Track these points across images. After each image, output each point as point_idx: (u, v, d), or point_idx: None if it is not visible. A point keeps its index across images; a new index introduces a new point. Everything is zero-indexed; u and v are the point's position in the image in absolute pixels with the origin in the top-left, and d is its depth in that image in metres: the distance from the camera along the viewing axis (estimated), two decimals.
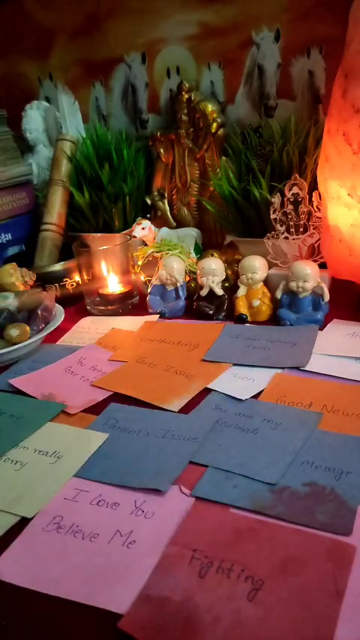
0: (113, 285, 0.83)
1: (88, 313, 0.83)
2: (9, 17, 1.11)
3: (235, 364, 0.62)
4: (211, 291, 0.76)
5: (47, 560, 0.38)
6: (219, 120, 0.95)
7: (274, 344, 0.65)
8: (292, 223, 0.74)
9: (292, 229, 0.74)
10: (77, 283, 0.86)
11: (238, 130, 0.93)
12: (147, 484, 0.43)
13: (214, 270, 0.76)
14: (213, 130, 0.95)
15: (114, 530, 0.40)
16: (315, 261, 0.73)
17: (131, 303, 0.84)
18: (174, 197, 1.03)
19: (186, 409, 0.55)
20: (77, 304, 0.85)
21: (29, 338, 0.68)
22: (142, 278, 0.84)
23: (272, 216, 0.74)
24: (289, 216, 0.74)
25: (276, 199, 0.73)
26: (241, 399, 0.55)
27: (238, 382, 0.59)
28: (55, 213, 0.95)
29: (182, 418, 0.53)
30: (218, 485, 0.43)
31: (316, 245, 0.74)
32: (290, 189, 0.73)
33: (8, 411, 0.57)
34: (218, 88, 0.98)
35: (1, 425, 0.54)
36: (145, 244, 0.88)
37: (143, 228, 0.87)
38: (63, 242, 0.95)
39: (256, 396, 0.56)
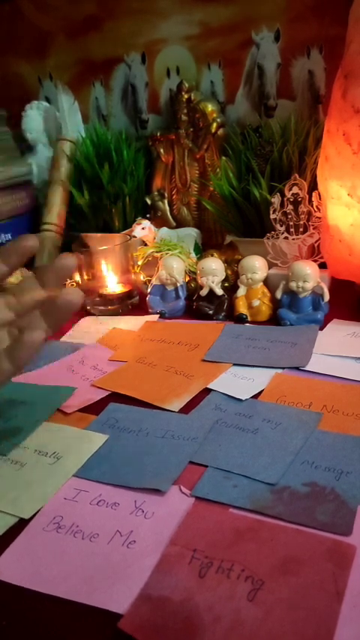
0: (113, 285, 0.83)
1: (88, 313, 0.83)
2: (9, 17, 1.11)
3: (235, 364, 0.62)
4: (211, 291, 0.76)
5: (47, 560, 0.38)
6: (219, 120, 0.94)
7: (274, 344, 0.65)
8: (292, 223, 0.74)
9: (292, 229, 0.74)
10: (77, 283, 0.86)
11: (238, 130, 0.93)
12: (147, 484, 0.43)
13: (214, 270, 0.76)
14: (213, 130, 0.94)
15: (114, 530, 0.40)
16: (315, 261, 0.73)
17: (131, 303, 0.84)
18: (174, 197, 1.03)
19: (186, 409, 0.55)
20: None
21: None
22: (142, 278, 0.84)
23: (272, 216, 0.74)
24: (289, 217, 0.74)
25: (276, 199, 0.73)
26: (241, 399, 0.55)
27: (238, 382, 0.59)
28: (55, 213, 0.95)
29: (182, 418, 0.53)
30: (218, 485, 0.43)
31: (316, 245, 0.74)
32: (290, 189, 0.73)
33: (19, 398, 0.58)
34: (218, 88, 0.98)
35: (16, 412, 0.55)
36: (145, 244, 0.88)
37: (143, 228, 0.87)
38: (63, 242, 0.95)
39: (256, 396, 0.56)
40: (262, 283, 0.75)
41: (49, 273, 0.43)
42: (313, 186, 0.73)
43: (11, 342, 0.41)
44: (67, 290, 0.42)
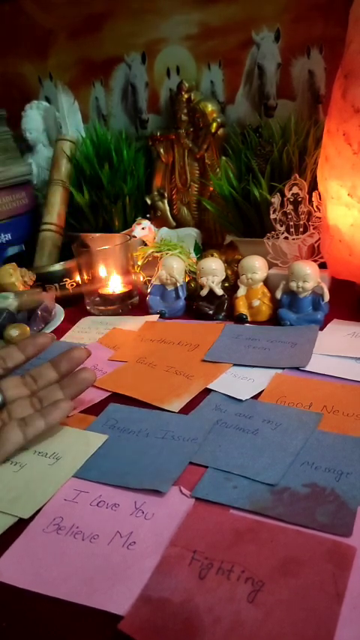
0: (113, 285, 0.83)
1: (88, 313, 0.83)
2: (9, 17, 1.11)
3: (235, 364, 0.62)
4: (211, 291, 0.76)
5: (47, 561, 0.38)
6: (219, 120, 0.94)
7: (274, 344, 0.65)
8: (292, 223, 0.74)
9: (292, 229, 0.74)
10: (77, 283, 0.86)
11: (238, 130, 0.93)
12: (147, 485, 0.43)
13: (214, 270, 0.75)
14: (213, 130, 0.94)
15: (114, 531, 0.40)
16: (315, 261, 0.73)
17: (131, 303, 0.84)
18: (174, 197, 1.03)
19: (186, 409, 0.55)
20: (77, 304, 0.85)
21: None
22: (142, 278, 0.84)
23: (272, 217, 0.74)
24: (289, 217, 0.74)
25: (276, 199, 0.73)
26: (241, 400, 0.55)
27: (238, 382, 0.59)
28: (55, 213, 0.95)
29: (182, 418, 0.53)
30: (218, 486, 0.43)
31: (316, 245, 0.74)
32: (290, 189, 0.73)
33: None
34: (218, 88, 0.98)
35: None
36: (145, 244, 0.88)
37: (143, 228, 0.87)
38: (63, 242, 0.95)
39: (256, 397, 0.56)
40: (262, 283, 0.75)
41: (63, 362, 0.54)
42: (313, 186, 0.73)
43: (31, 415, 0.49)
44: (83, 370, 0.53)
